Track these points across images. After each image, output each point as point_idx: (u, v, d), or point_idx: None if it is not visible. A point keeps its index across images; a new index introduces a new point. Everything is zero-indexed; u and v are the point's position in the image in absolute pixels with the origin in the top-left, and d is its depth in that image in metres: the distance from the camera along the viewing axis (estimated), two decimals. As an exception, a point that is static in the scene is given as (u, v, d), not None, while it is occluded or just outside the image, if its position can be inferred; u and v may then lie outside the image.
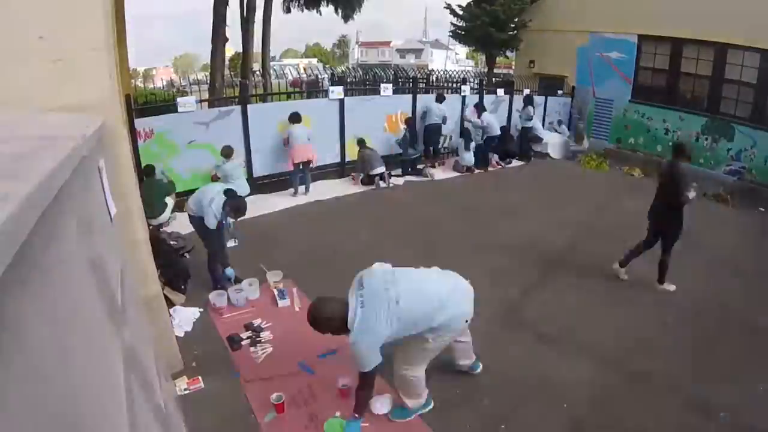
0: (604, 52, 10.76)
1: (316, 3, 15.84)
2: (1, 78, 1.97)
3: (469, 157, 8.50)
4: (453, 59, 41.12)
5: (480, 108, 8.94)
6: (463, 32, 14.04)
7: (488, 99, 9.70)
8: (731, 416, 2.82)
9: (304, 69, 13.69)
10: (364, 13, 16.85)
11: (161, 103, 7.52)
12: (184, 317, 3.65)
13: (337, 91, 7.53)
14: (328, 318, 2.39)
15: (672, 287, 4.32)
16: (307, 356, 3.23)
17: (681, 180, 3.99)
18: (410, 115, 8.35)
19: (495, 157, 9.04)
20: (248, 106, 6.79)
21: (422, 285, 2.49)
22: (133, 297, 1.90)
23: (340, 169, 7.83)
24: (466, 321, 2.58)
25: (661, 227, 4.26)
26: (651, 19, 9.66)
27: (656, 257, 4.32)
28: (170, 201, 5.52)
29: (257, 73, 12.04)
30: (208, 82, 12.04)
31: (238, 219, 4.01)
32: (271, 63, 17.73)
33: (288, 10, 16.28)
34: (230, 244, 4.50)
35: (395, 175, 7.95)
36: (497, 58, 15.10)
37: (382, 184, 7.37)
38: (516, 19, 12.78)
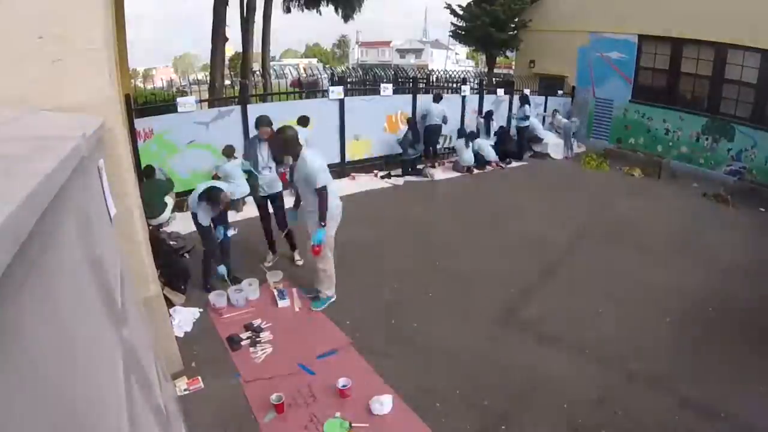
0: (604, 52, 10.76)
1: (316, 3, 15.83)
2: (1, 78, 1.97)
3: (469, 157, 8.51)
4: (453, 59, 41.04)
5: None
6: (463, 32, 14.05)
7: (488, 99, 9.69)
8: (731, 416, 2.82)
9: (304, 69, 13.69)
10: (364, 13, 16.84)
11: (161, 103, 7.51)
12: (184, 317, 3.65)
13: (337, 91, 7.54)
14: (296, 142, 3.55)
15: None
16: (307, 356, 3.23)
17: None
18: (410, 116, 8.35)
19: (495, 157, 9.04)
20: (248, 106, 6.79)
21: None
22: (133, 297, 1.90)
23: (339, 169, 7.83)
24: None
25: None
26: (651, 19, 9.66)
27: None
28: (170, 201, 5.52)
29: (257, 73, 12.01)
30: (208, 82, 12.04)
31: (223, 210, 3.95)
32: (271, 63, 17.71)
33: (288, 10, 16.28)
34: (230, 232, 4.51)
35: (395, 175, 7.97)
36: (497, 58, 15.10)
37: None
38: (516, 19, 12.79)
